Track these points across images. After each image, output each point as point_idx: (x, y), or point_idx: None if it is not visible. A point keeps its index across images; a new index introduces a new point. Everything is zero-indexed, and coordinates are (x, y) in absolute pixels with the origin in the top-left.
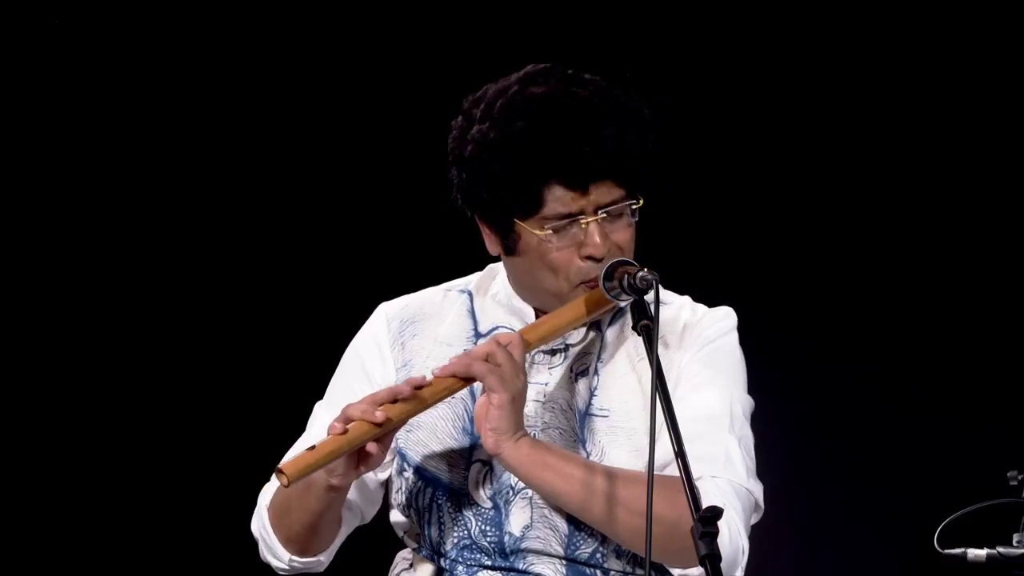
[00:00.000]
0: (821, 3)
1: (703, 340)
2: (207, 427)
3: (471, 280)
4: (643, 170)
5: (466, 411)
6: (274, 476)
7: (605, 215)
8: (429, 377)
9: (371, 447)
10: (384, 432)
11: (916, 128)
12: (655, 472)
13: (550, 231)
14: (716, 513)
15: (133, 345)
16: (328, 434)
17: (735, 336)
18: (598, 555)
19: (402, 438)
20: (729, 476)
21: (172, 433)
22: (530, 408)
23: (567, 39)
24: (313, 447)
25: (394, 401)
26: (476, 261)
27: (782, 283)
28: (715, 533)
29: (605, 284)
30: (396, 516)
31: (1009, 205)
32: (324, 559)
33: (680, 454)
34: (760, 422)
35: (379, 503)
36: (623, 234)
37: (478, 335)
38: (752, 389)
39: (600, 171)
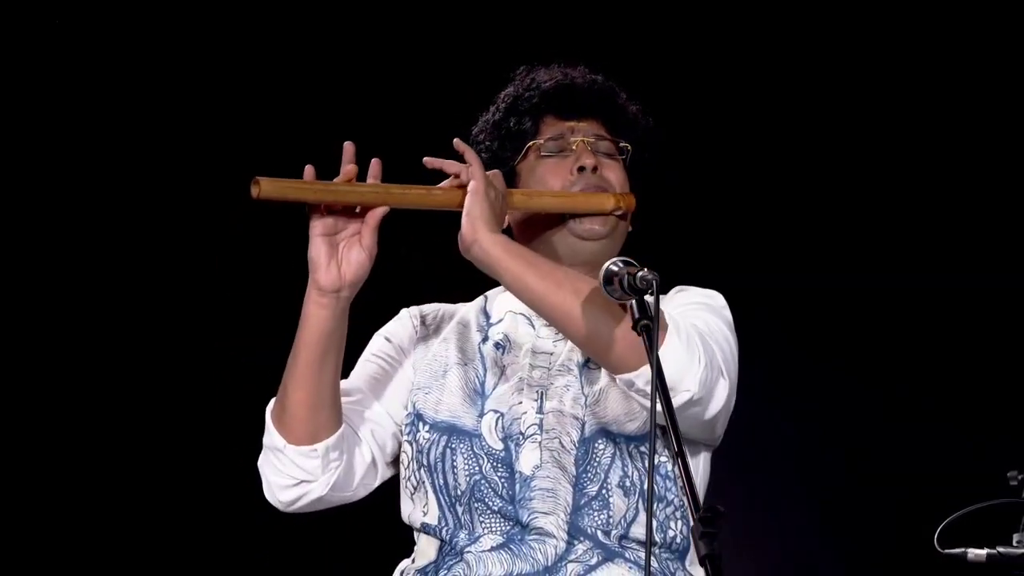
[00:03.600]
0: (822, 2)
1: (693, 292)
2: (224, 422)
3: (486, 293)
4: (623, 117)
5: (477, 376)
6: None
7: (594, 139)
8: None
9: (368, 240)
10: (363, 201)
11: (913, 128)
12: None
13: (547, 154)
14: (716, 513)
15: (131, 344)
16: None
17: (727, 312)
18: (604, 491)
19: (419, 400)
20: (693, 327)
21: (171, 434)
22: (537, 373)
23: (575, 38)
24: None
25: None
26: (434, 273)
27: (782, 283)
28: (715, 533)
29: (605, 286)
30: (404, 503)
31: (1008, 205)
32: (333, 460)
33: (680, 454)
34: (759, 422)
35: (394, 451)
36: (614, 171)
37: (490, 324)
38: (751, 390)
39: (584, 106)
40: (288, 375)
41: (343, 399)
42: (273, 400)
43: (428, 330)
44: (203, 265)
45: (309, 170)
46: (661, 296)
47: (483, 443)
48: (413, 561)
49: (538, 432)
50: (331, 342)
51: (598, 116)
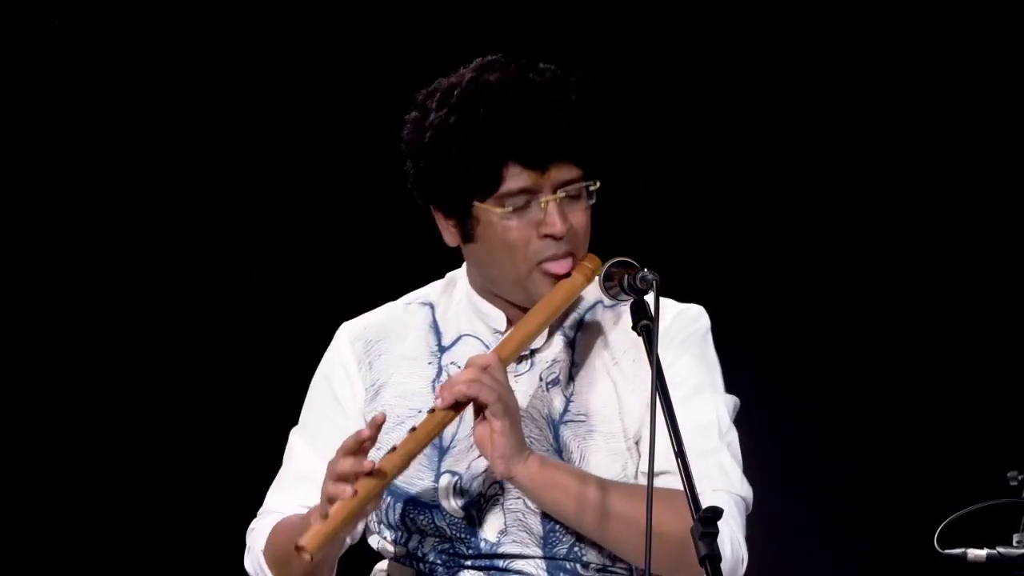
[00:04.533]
0: (821, 2)
1: (680, 343)
2: (224, 422)
3: (431, 291)
4: (601, 152)
5: None
6: (260, 519)
7: (564, 194)
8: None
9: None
10: (389, 484)
11: (909, 129)
12: (659, 487)
13: (509, 209)
14: (716, 513)
15: (131, 344)
16: (324, 491)
17: (708, 337)
18: (576, 549)
19: (371, 456)
20: (727, 488)
21: (171, 434)
22: None
23: (577, 37)
24: (326, 515)
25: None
26: (434, 270)
27: (782, 283)
28: (715, 533)
29: (605, 284)
30: (373, 540)
31: (1007, 204)
32: None
33: (680, 453)
34: (758, 423)
35: (364, 525)
36: (579, 216)
37: (442, 348)
38: (749, 390)
39: (557, 152)
40: (291, 562)
41: (305, 485)
42: (260, 533)
43: (372, 367)
44: (203, 265)
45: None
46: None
47: (444, 514)
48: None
49: (499, 492)
50: (340, 546)
51: (570, 159)
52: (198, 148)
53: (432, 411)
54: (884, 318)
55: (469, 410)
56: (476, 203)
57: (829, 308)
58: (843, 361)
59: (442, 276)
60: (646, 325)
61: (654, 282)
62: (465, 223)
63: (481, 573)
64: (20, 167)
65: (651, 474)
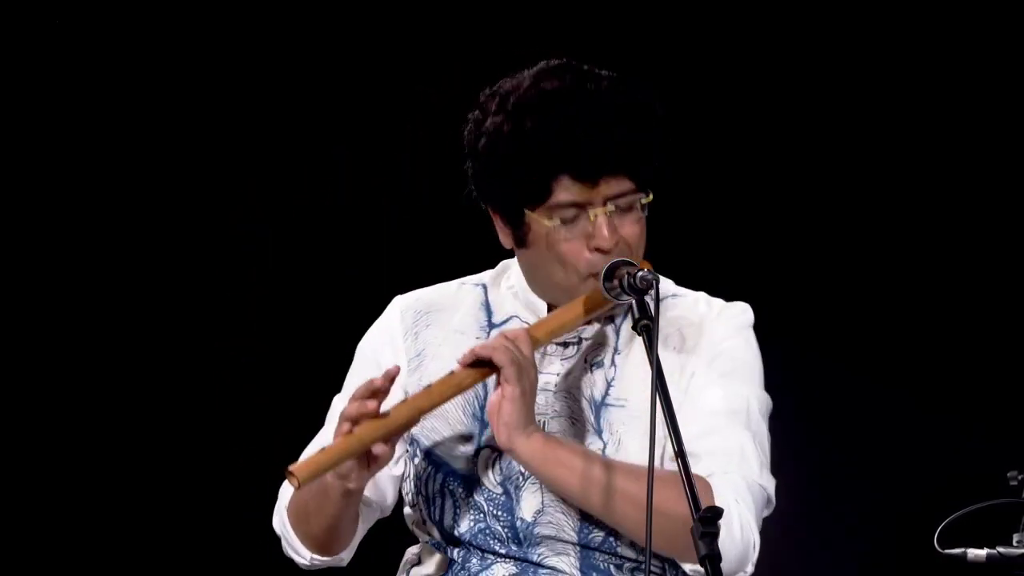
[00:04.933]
0: (824, 2)
1: (721, 336)
2: (224, 422)
3: (485, 275)
4: (653, 165)
5: (476, 396)
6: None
7: (614, 208)
8: (455, 367)
9: (378, 448)
10: (392, 431)
11: (912, 128)
12: (670, 469)
13: (559, 221)
14: (716, 513)
15: (131, 344)
16: (335, 436)
17: (752, 333)
18: (611, 539)
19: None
20: (743, 472)
21: (171, 434)
22: (541, 398)
23: (578, 36)
24: (323, 448)
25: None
26: (490, 259)
27: (783, 283)
28: (715, 533)
29: (605, 284)
30: (407, 509)
31: (1008, 204)
32: (345, 556)
33: (680, 454)
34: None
35: (396, 496)
36: (632, 228)
37: (492, 325)
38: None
39: (609, 165)
40: (309, 515)
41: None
42: (288, 489)
43: (418, 337)
44: (203, 265)
45: (334, 442)
46: (702, 322)
47: (482, 488)
48: (420, 561)
49: None
50: (354, 503)
51: (623, 171)
52: (198, 148)
53: (452, 373)
54: (884, 319)
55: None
56: (527, 211)
57: (829, 308)
58: (843, 361)
59: (443, 277)
60: (646, 325)
61: (654, 282)
62: (518, 229)
63: (512, 564)
64: (20, 167)
65: (651, 470)
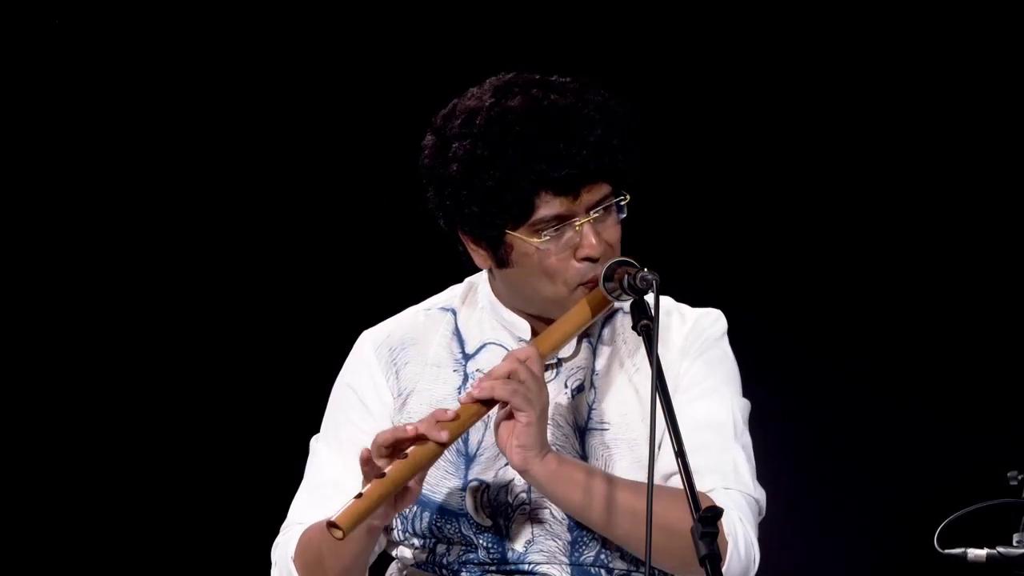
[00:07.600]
0: (820, 2)
1: (698, 347)
2: (206, 427)
3: (452, 296)
4: (628, 167)
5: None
6: (285, 533)
7: (597, 214)
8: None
9: (411, 483)
10: (420, 468)
11: (908, 128)
12: (673, 487)
13: (546, 237)
14: (716, 513)
15: (131, 344)
16: (366, 478)
17: (727, 340)
18: (602, 556)
19: None
20: (739, 487)
21: (171, 434)
22: None
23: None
24: (360, 495)
25: (417, 439)
26: (434, 269)
27: (781, 282)
28: (715, 533)
29: (605, 284)
30: (400, 550)
31: (1009, 204)
32: None
33: (680, 453)
34: (759, 422)
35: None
36: (613, 231)
37: (466, 356)
38: (749, 388)
39: (588, 175)
40: (323, 561)
41: (333, 493)
42: (287, 545)
43: (399, 376)
44: (203, 265)
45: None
46: (674, 333)
47: (470, 523)
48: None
49: (527, 502)
50: (374, 541)
51: (602, 177)
52: (199, 148)
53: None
54: (884, 319)
55: (493, 414)
56: (508, 232)
57: (830, 309)
58: (843, 362)
59: (443, 279)
60: (646, 325)
61: (654, 282)
62: (498, 250)
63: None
64: (20, 167)
65: (651, 474)
